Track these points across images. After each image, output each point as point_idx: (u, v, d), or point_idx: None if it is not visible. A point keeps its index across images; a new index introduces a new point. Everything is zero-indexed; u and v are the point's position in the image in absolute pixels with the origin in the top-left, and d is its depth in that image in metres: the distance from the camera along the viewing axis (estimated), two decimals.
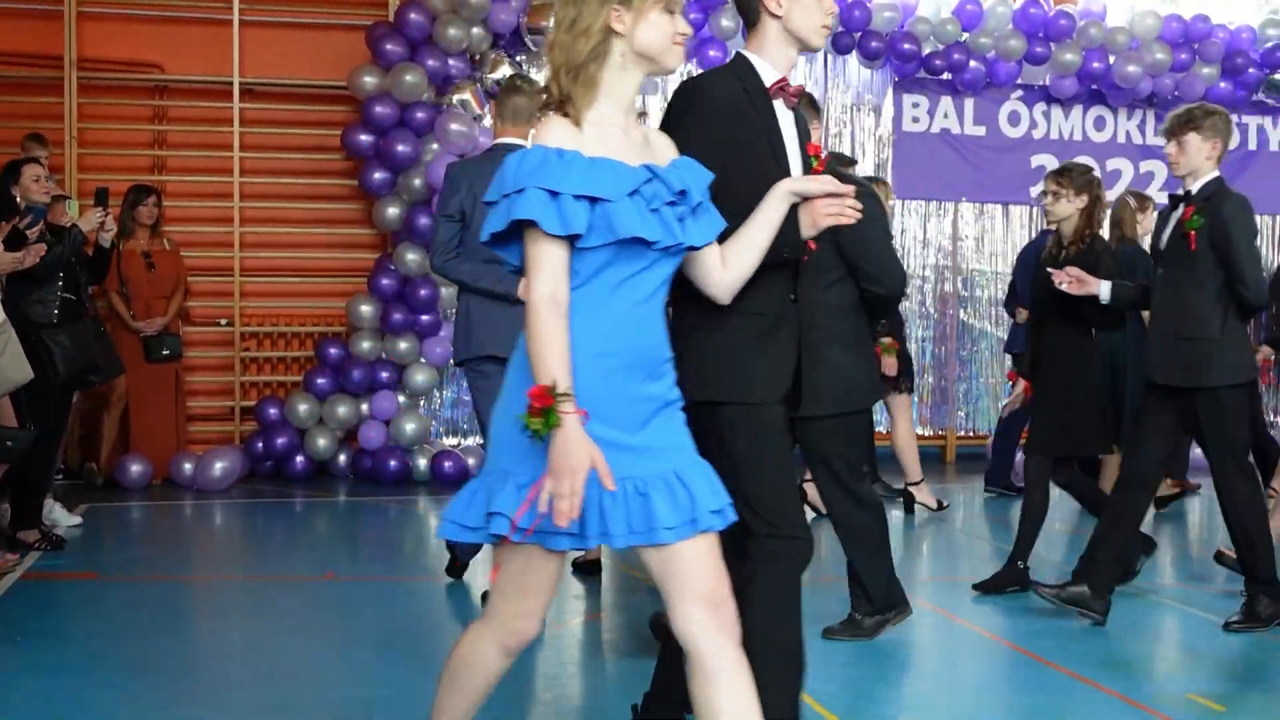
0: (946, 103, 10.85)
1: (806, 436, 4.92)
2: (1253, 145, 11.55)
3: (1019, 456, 8.44)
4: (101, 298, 8.52)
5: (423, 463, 9.35)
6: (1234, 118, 11.30)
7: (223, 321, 9.90)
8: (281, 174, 9.94)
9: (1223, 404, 5.28)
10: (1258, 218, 11.48)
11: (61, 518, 7.32)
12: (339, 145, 9.62)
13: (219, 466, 8.90)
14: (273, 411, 9.40)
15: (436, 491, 8.99)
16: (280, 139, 9.94)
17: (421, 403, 9.73)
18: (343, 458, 9.50)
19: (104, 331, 8.18)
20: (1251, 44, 11.05)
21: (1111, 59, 10.65)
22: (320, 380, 9.43)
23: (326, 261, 10.06)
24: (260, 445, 9.36)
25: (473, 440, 9.99)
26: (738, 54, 3.46)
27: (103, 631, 5.28)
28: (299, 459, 9.40)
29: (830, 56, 10.62)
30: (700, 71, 10.13)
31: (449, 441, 10.02)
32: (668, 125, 3.23)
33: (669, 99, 3.38)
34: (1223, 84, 11.02)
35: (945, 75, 10.54)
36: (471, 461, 9.44)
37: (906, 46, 10.28)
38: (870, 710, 4.35)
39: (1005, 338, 9.98)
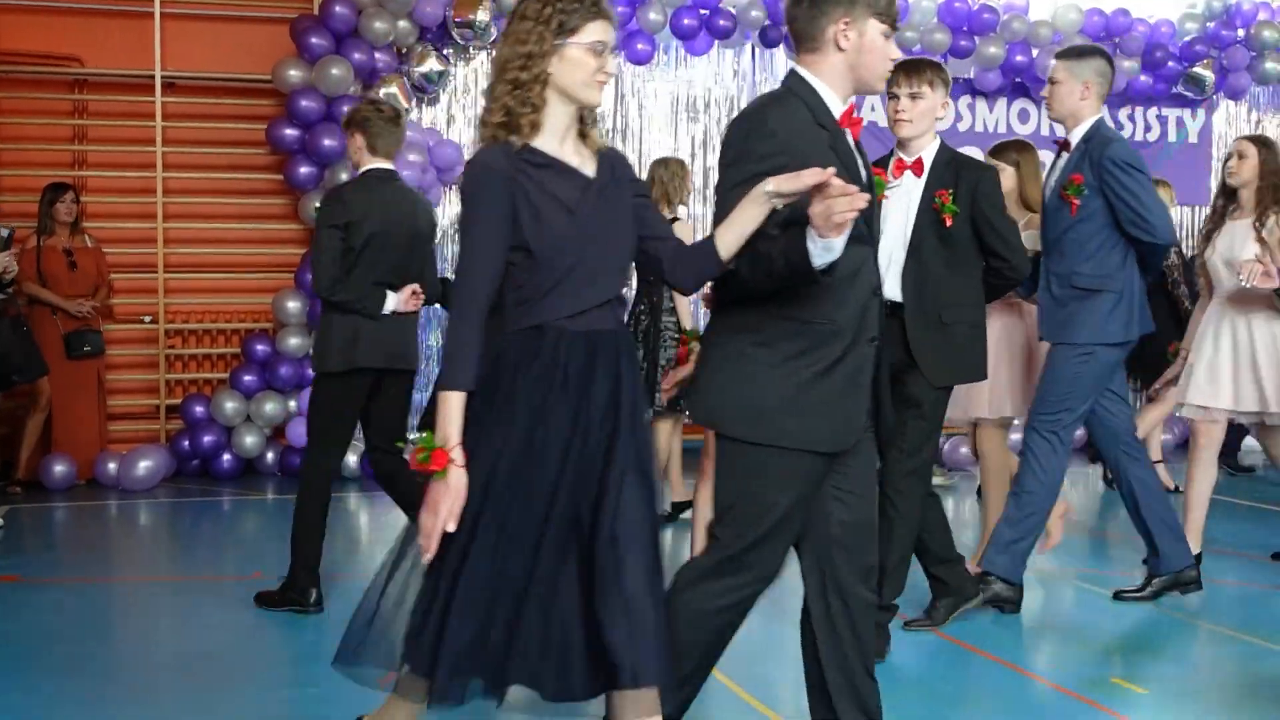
0: (873, 96, 10.90)
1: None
2: (1173, 138, 11.75)
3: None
4: (22, 296, 8.37)
5: (352, 460, 9.27)
6: (1154, 110, 11.63)
7: (146, 319, 9.76)
8: (205, 169, 9.81)
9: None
10: (1178, 209, 11.78)
11: None
12: (264, 140, 9.51)
13: (144, 466, 8.77)
14: (199, 409, 9.29)
15: (366, 488, 8.92)
16: (203, 133, 9.81)
17: None
18: (270, 455, 9.41)
19: (26, 331, 8.06)
20: (1171, 38, 11.23)
21: (1035, 52, 10.77)
22: (247, 377, 9.33)
23: (252, 257, 9.94)
24: (186, 444, 9.24)
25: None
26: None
27: (27, 635, 5.20)
28: (226, 457, 9.30)
29: (758, 49, 10.66)
30: (631, 66, 10.14)
31: None
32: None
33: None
34: (1143, 77, 11.19)
35: None
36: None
37: None
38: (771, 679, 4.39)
39: None
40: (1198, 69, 11.21)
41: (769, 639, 5.14)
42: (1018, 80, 11.04)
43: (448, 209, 10.02)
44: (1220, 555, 7.03)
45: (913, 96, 4.81)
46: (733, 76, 10.74)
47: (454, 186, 9.98)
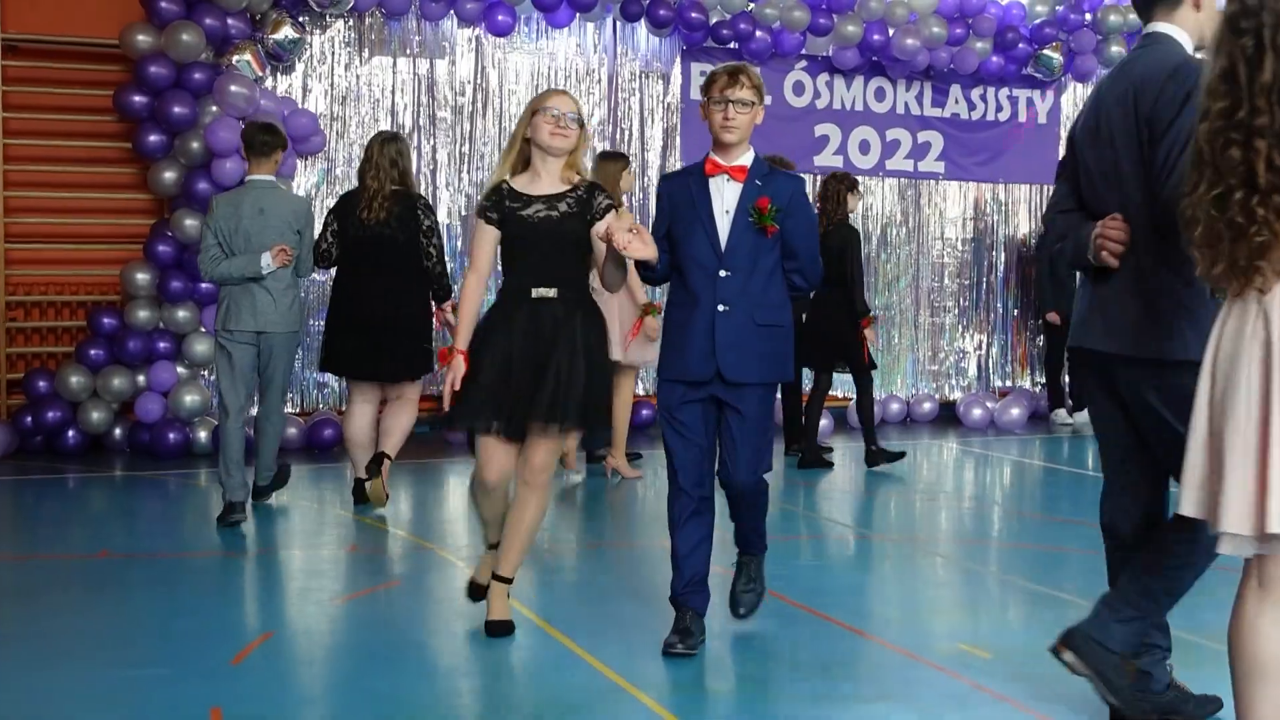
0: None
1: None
2: (1022, 118, 12.03)
3: None
4: None
5: (204, 435, 9.08)
6: (1005, 90, 11.90)
7: None
8: (50, 135, 9.48)
9: None
10: (1026, 187, 12.09)
11: None
12: (111, 106, 9.22)
13: None
14: (42, 384, 9.00)
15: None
16: (48, 99, 9.47)
17: (202, 374, 9.45)
18: (118, 431, 9.17)
19: None
20: (1022, 20, 11.49)
21: (891, 32, 10.94)
22: (94, 351, 9.07)
23: (99, 227, 9.64)
24: (29, 419, 8.96)
25: (255, 411, 9.71)
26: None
27: None
28: (71, 433, 9.04)
29: (619, 24, 10.64)
30: (492, 37, 10.06)
31: None
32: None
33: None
34: (995, 58, 11.44)
35: (732, 44, 10.67)
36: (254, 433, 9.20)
37: (694, 15, 10.37)
38: (604, 637, 4.42)
39: None
40: (1047, 51, 11.50)
41: (626, 613, 5.17)
42: (875, 59, 11.20)
43: (301, 181, 9.84)
44: (1067, 524, 7.26)
45: None
46: (594, 49, 10.71)
47: (310, 157, 9.80)
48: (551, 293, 4.66)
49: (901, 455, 8.86)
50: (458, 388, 4.63)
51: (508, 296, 4.72)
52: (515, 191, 4.72)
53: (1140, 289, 3.67)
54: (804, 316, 8.57)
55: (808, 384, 9.14)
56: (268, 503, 7.33)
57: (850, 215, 8.74)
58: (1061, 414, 11.33)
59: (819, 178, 10.44)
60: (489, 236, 4.72)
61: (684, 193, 4.61)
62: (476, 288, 4.73)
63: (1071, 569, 6.18)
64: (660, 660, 4.52)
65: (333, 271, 7.41)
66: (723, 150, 4.58)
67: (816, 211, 8.76)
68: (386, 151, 7.09)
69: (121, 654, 4.58)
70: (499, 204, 4.70)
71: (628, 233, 4.29)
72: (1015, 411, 11.14)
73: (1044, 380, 11.77)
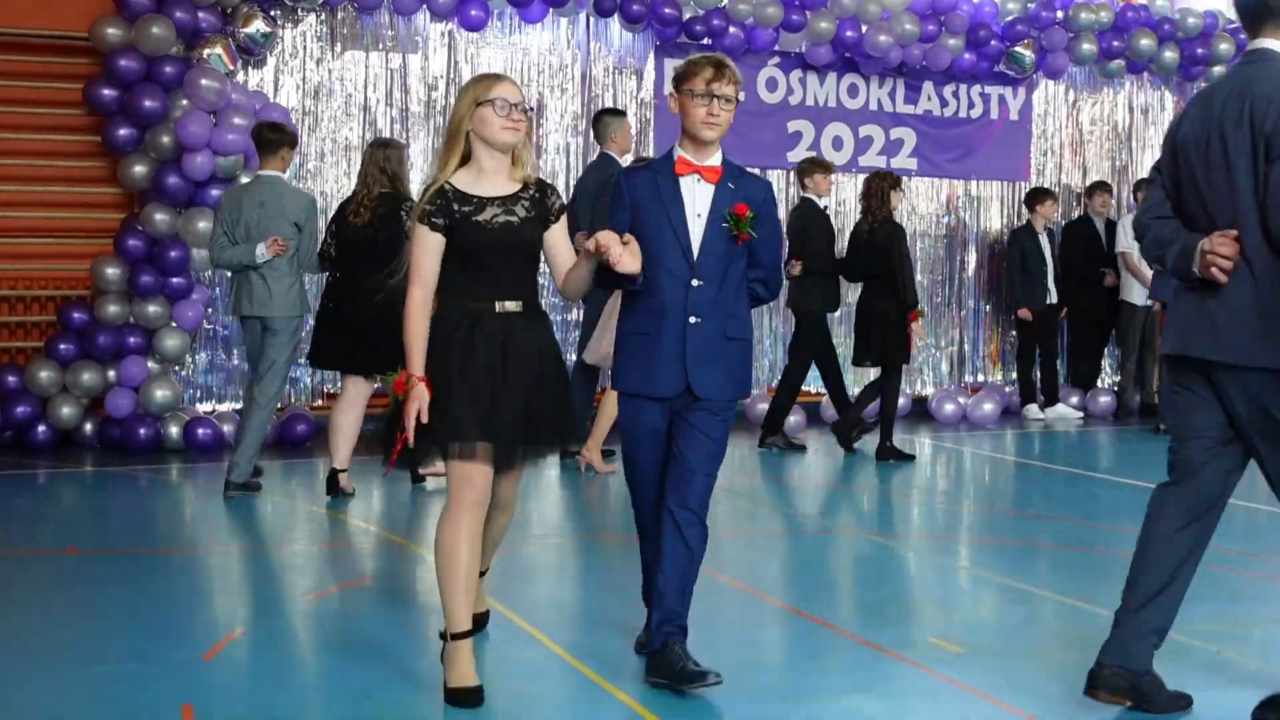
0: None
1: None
2: (994, 114, 12.08)
3: None
4: None
5: (175, 430, 9.04)
6: (977, 87, 11.95)
7: None
8: (19, 129, 9.38)
9: None
10: (998, 184, 12.14)
11: None
12: (81, 100, 9.16)
13: None
14: (11, 379, 8.93)
15: (191, 459, 8.71)
16: (17, 92, 9.38)
17: (174, 369, 9.40)
18: (89, 426, 9.11)
19: None
20: (994, 17, 11.53)
21: (864, 28, 10.96)
22: (63, 346, 9.01)
23: (69, 221, 9.56)
24: None
25: (227, 406, 9.71)
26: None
27: None
28: (41, 428, 8.97)
29: (592, 19, 10.63)
30: (465, 32, 10.03)
31: (203, 407, 9.71)
32: None
33: None
34: (967, 55, 11.48)
35: (705, 40, 10.67)
36: (227, 428, 9.18)
37: (668, 11, 10.36)
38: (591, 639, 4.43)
39: None
40: (1019, 48, 11.54)
41: (600, 608, 5.17)
42: (848, 55, 11.22)
43: None
44: (1038, 519, 7.30)
45: None
46: (567, 45, 10.69)
47: None
48: (516, 306, 4.15)
49: (911, 458, 9.05)
50: (425, 419, 4.01)
51: (460, 312, 4.13)
52: (462, 193, 4.13)
53: (1255, 299, 3.77)
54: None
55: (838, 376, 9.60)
56: (232, 496, 7.29)
57: (894, 212, 9.06)
58: (1033, 409, 11.39)
59: (792, 174, 10.48)
60: (434, 245, 4.10)
61: (650, 191, 4.26)
62: (425, 304, 4.11)
63: (1042, 564, 6.21)
64: (633, 655, 4.52)
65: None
66: (697, 148, 4.25)
67: (861, 209, 9.27)
68: (375, 158, 7.43)
69: (92, 651, 4.55)
70: (445, 208, 4.10)
71: (622, 245, 3.98)
72: (987, 407, 11.19)
73: (1015, 376, 11.83)
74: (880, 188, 9.02)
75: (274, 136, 7.51)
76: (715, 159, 4.29)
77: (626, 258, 3.99)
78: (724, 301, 4.25)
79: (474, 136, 4.16)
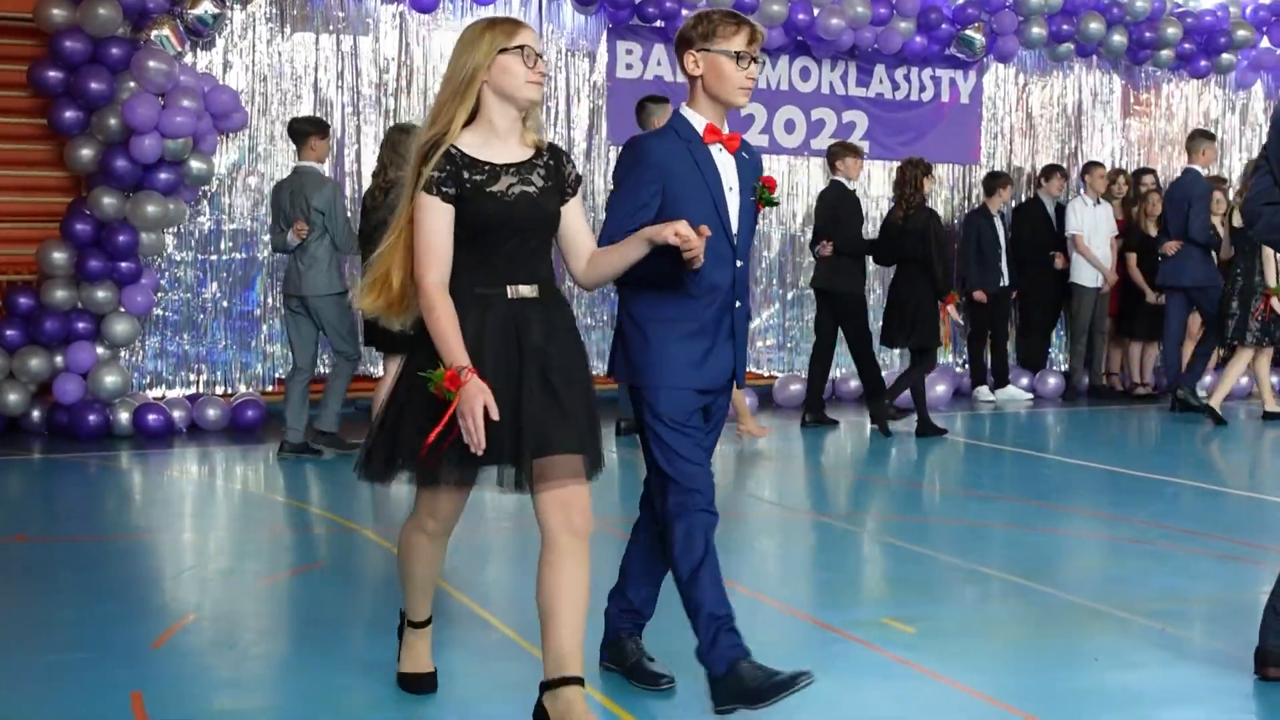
0: (660, 50, 10.97)
1: None
2: (945, 97, 12.14)
3: None
4: None
5: (125, 416, 8.96)
6: (928, 70, 12.00)
7: None
8: None
9: None
10: (949, 166, 12.19)
11: None
12: (25, 81, 9.03)
13: None
14: None
15: (141, 446, 8.63)
16: None
17: (123, 354, 9.31)
18: (36, 413, 9.02)
19: None
20: (945, 1, 11.58)
21: (815, 12, 10.97)
22: (9, 332, 8.90)
23: (14, 205, 9.43)
24: None
25: (178, 391, 9.63)
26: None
27: None
28: None
29: (545, 2, 10.59)
30: (416, 14, 9.94)
31: (153, 394, 9.62)
32: None
33: None
34: (918, 38, 11.52)
35: (658, 23, 10.66)
36: (177, 414, 9.11)
37: None
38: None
39: None
40: (969, 31, 11.60)
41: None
42: (799, 39, 11.23)
43: (222, 158, 9.71)
44: (986, 500, 7.36)
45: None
46: None
47: (230, 134, 9.67)
48: (532, 291, 3.53)
49: (944, 431, 9.42)
50: (495, 415, 3.31)
51: (463, 301, 3.46)
52: (470, 158, 3.49)
53: None
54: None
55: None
56: (286, 459, 8.04)
57: (927, 199, 9.31)
58: (984, 391, 11.47)
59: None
60: (446, 218, 3.46)
61: (684, 161, 3.77)
62: (444, 288, 3.45)
63: (994, 544, 6.26)
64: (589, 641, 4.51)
65: None
66: (718, 114, 3.84)
67: (894, 197, 9.52)
68: (392, 141, 7.84)
69: (40, 639, 4.51)
70: (455, 175, 3.46)
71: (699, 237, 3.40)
72: (939, 388, 11.24)
73: (967, 358, 11.91)
74: (913, 175, 9.24)
75: (300, 128, 8.28)
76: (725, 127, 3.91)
77: (700, 250, 3.44)
78: (747, 282, 3.95)
79: (488, 90, 3.54)
